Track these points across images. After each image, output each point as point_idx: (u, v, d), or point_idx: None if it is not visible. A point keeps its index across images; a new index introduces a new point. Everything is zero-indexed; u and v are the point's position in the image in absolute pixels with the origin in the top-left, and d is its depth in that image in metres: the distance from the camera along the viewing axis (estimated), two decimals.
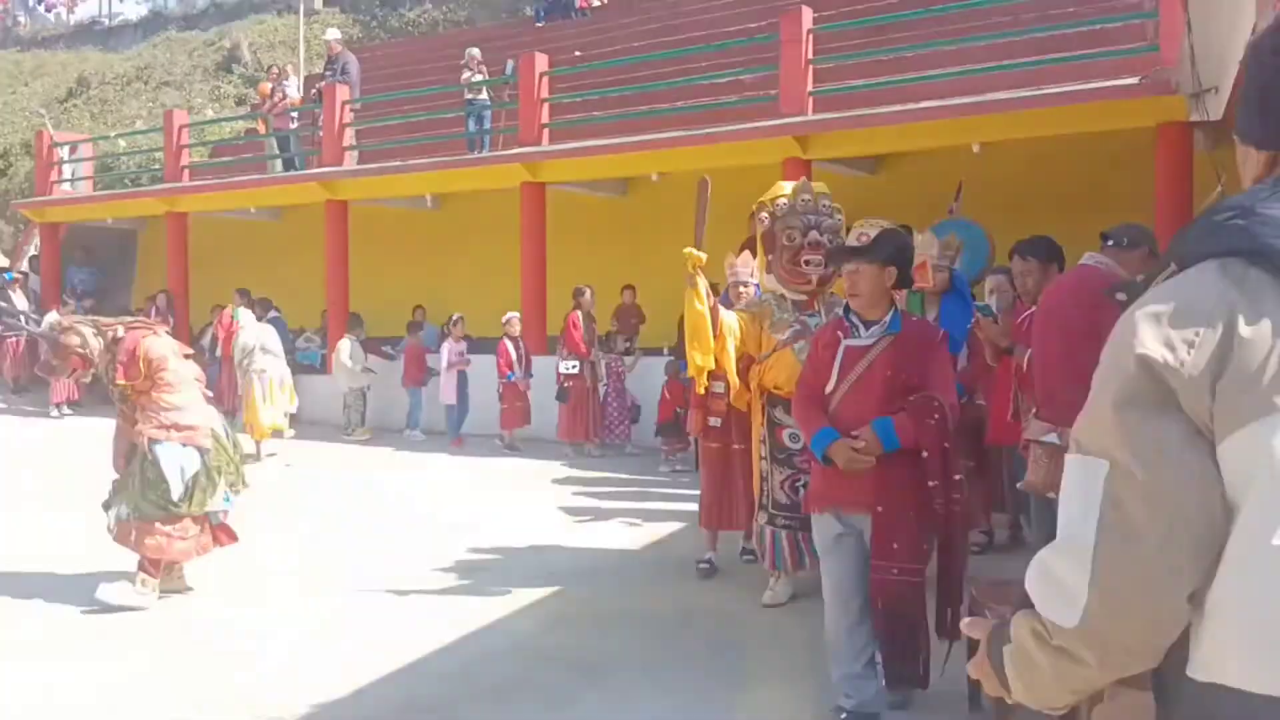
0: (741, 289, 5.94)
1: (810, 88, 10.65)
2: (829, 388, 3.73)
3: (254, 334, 10.88)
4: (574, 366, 10.70)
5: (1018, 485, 4.33)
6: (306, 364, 14.38)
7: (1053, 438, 4.13)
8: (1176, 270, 1.23)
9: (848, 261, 3.74)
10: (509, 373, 11.10)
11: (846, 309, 3.81)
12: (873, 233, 3.85)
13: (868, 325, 3.72)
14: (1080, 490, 1.21)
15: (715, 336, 4.82)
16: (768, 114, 11.07)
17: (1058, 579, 1.22)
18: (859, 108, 10.58)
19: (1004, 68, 10.10)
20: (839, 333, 3.77)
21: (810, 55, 10.68)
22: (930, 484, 3.55)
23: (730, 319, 4.96)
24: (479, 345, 13.68)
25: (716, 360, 4.92)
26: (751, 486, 5.65)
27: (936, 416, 3.54)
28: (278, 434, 10.73)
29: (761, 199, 5.24)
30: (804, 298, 5.09)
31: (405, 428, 12.42)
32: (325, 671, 4.47)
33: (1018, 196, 10.13)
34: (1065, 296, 4.07)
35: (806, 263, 4.95)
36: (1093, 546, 1.17)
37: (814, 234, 4.95)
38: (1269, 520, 1.10)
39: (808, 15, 10.68)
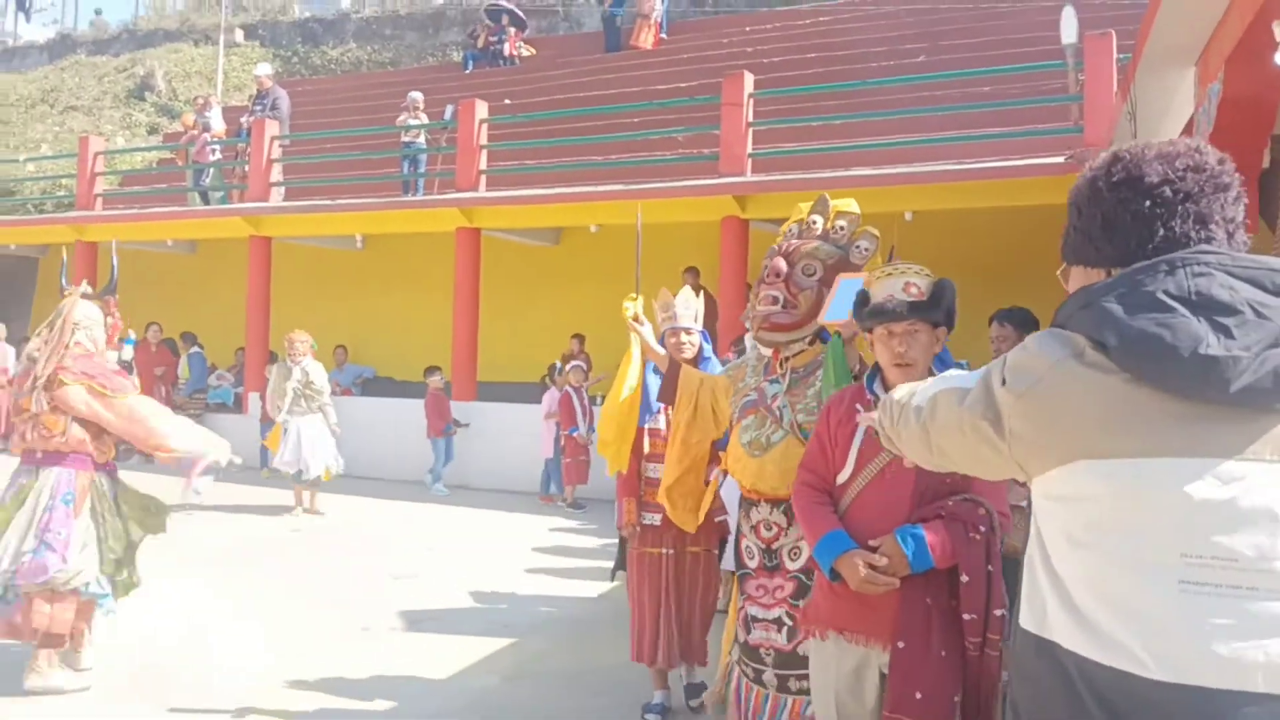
0: (684, 339, 4.47)
1: (750, 150, 10.91)
2: (842, 477, 2.90)
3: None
4: None
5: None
6: (218, 403, 14.03)
7: (1024, 500, 4.21)
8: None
9: (900, 320, 2.85)
10: (571, 426, 10.44)
11: (871, 377, 2.97)
12: (923, 283, 2.87)
13: None
14: (940, 382, 1.80)
15: (679, 406, 3.92)
16: (704, 172, 11.29)
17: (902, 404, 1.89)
18: (794, 171, 10.87)
19: (937, 141, 10.53)
20: (859, 407, 2.87)
21: (750, 119, 10.96)
22: (966, 618, 2.73)
23: (693, 380, 3.92)
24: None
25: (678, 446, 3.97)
26: (699, 608, 4.59)
27: (982, 529, 2.75)
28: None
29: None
30: (768, 354, 3.69)
31: (432, 482, 11.44)
32: None
33: (948, 264, 10.39)
34: None
35: (759, 297, 3.60)
36: (921, 405, 1.80)
37: (779, 261, 3.57)
38: (1094, 530, 1.46)
39: (749, 80, 10.99)
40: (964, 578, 2.72)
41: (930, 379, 1.94)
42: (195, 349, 13.63)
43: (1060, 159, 9.40)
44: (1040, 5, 13.51)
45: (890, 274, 2.92)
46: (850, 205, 3.67)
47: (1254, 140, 5.14)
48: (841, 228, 3.61)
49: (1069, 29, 9.78)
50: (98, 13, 27.75)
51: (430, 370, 11.61)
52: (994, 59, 12.15)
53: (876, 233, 3.65)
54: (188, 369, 13.54)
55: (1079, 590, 1.46)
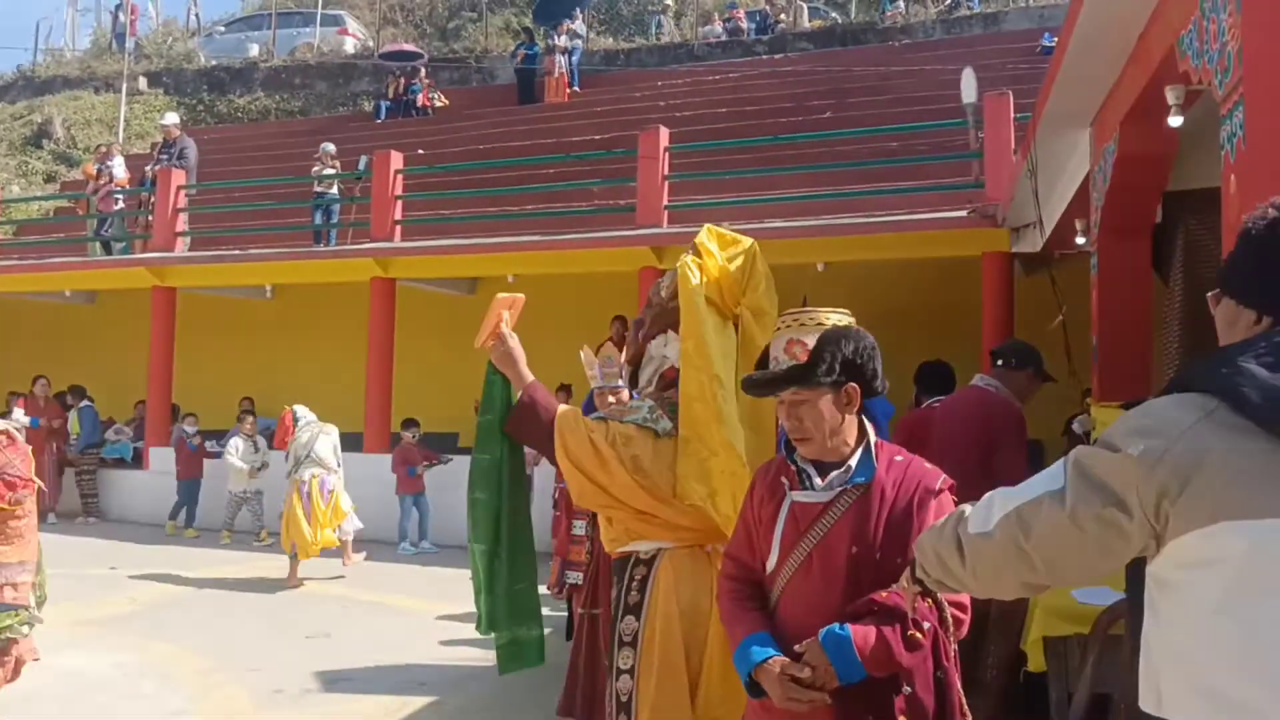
0: (611, 398, 4.35)
1: (666, 201, 11.07)
2: (770, 565, 2.37)
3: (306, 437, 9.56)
4: None
5: None
6: (115, 459, 13.54)
7: None
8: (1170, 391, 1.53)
9: (773, 390, 2.40)
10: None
11: (789, 447, 2.42)
12: (810, 339, 2.36)
13: (823, 469, 2.35)
14: (1006, 500, 1.64)
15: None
16: (619, 223, 11.40)
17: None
18: (707, 222, 11.03)
19: (848, 195, 10.84)
20: (782, 480, 2.39)
21: (666, 171, 11.13)
22: None
23: None
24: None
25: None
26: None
27: (927, 626, 2.20)
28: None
29: None
30: None
31: (398, 541, 10.82)
32: None
33: (859, 313, 10.69)
34: (957, 419, 4.31)
35: None
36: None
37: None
38: (1219, 600, 1.42)
39: (664, 134, 11.18)
40: (905, 689, 2.21)
41: (962, 508, 1.76)
42: (85, 403, 13.04)
43: (964, 212, 9.77)
44: (941, 66, 14.07)
45: (781, 328, 2.45)
46: (699, 236, 3.13)
47: (1148, 197, 5.42)
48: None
49: (969, 89, 10.18)
50: (18, 68, 26.82)
51: (407, 423, 11.15)
52: (898, 116, 12.57)
53: (685, 259, 3.06)
54: (78, 424, 12.98)
55: (1209, 663, 1.44)
